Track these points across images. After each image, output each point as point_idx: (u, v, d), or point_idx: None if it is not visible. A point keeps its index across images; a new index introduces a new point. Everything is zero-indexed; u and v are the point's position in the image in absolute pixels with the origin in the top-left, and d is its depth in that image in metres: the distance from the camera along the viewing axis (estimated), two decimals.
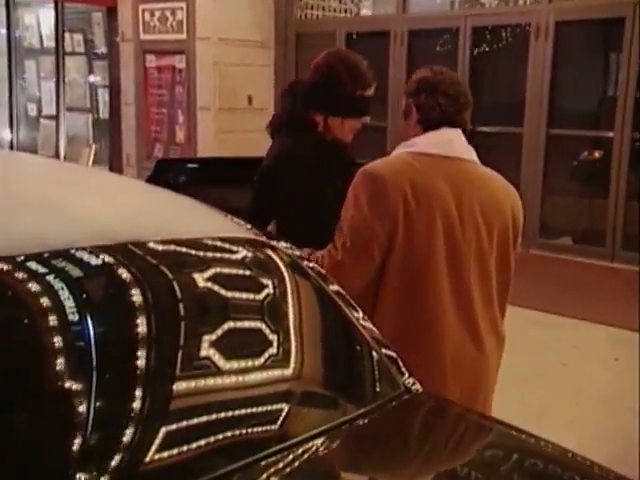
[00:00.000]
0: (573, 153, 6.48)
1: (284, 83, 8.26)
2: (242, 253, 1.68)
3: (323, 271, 1.74)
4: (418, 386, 1.59)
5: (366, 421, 1.46)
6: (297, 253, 1.77)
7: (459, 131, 1.84)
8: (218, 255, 1.66)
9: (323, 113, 2.07)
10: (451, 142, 1.82)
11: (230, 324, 1.51)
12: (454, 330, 1.82)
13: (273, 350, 1.51)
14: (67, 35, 8.74)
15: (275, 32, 8.17)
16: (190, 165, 2.82)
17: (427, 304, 1.81)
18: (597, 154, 6.38)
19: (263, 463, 1.24)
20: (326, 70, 2.07)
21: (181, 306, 1.48)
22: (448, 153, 1.80)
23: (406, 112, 1.92)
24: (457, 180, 1.79)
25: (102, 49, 8.68)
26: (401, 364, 1.62)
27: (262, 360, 1.47)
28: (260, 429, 1.37)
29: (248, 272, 1.68)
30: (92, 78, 8.90)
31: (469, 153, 1.87)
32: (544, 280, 5.42)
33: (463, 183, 1.79)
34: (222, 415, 1.34)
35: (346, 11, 8.54)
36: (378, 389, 1.63)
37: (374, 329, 1.68)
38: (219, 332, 1.45)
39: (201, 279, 1.54)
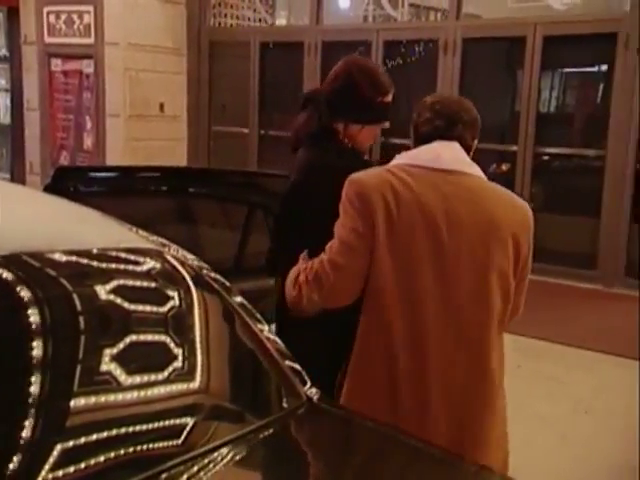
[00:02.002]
0: (482, 166, 6.70)
1: (197, 90, 8.17)
2: (142, 264, 1.65)
3: (227, 283, 1.73)
4: (319, 396, 1.61)
5: (268, 432, 1.47)
6: (201, 264, 1.74)
7: (453, 144, 1.85)
8: (118, 266, 1.62)
9: (344, 121, 2.08)
10: (440, 155, 1.82)
11: (131, 337, 1.49)
12: (442, 341, 1.77)
13: (174, 362, 1.49)
14: None
15: (188, 39, 8.08)
16: (93, 173, 2.72)
17: (409, 308, 1.76)
18: (504, 167, 6.62)
19: (165, 475, 1.23)
20: (346, 78, 2.09)
21: (79, 319, 1.44)
22: (436, 165, 1.81)
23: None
24: (445, 191, 1.78)
25: (3, 51, 8.32)
26: (304, 375, 1.63)
27: (163, 373, 1.45)
28: (163, 442, 1.36)
29: (148, 283, 1.66)
30: None
31: (464, 166, 1.85)
32: None
33: (452, 195, 1.78)
34: (124, 429, 1.32)
35: (260, 20, 8.55)
36: (280, 400, 1.64)
37: (278, 341, 1.68)
38: (120, 345, 1.43)
39: (100, 291, 1.51)
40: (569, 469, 3.16)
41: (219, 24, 8.36)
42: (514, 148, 6.26)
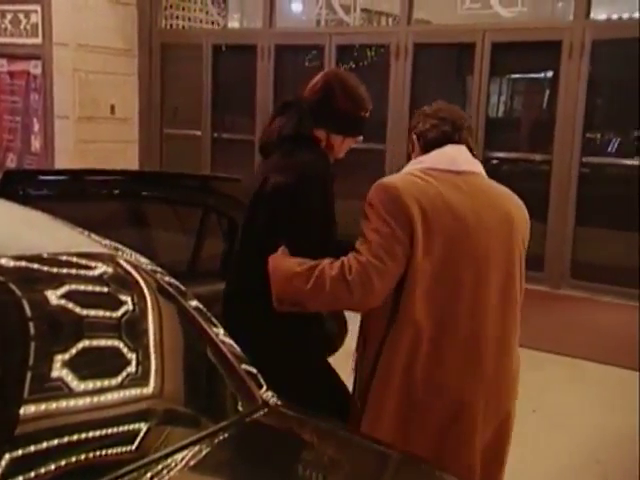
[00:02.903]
0: None
1: (149, 92, 8.08)
2: (95, 269, 1.62)
3: (183, 287, 1.72)
4: (275, 399, 1.62)
5: (223, 436, 1.46)
6: (155, 268, 1.73)
7: (462, 147, 1.95)
8: (69, 271, 1.59)
9: (328, 130, 2.14)
10: (455, 157, 1.92)
11: (83, 343, 1.47)
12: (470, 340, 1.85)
13: (128, 368, 1.47)
14: None
15: (139, 41, 7.99)
16: (43, 177, 2.67)
17: (442, 308, 1.82)
18: None
19: None
20: (330, 90, 2.14)
21: (30, 325, 1.42)
22: (455, 167, 1.90)
23: (412, 147, 2.04)
24: (467, 191, 1.86)
25: None
26: (260, 378, 1.63)
27: (117, 379, 1.43)
28: (116, 448, 1.34)
29: (101, 288, 1.63)
30: None
31: (476, 166, 1.96)
32: None
33: (473, 194, 1.87)
34: (76, 436, 1.30)
35: (213, 23, 8.51)
36: (236, 404, 1.63)
37: (233, 344, 1.67)
38: (72, 351, 1.41)
39: (51, 296, 1.48)
40: (517, 467, 3.23)
41: (170, 26, 8.29)
42: None
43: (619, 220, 5.84)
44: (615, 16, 6.18)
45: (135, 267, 1.67)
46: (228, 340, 1.67)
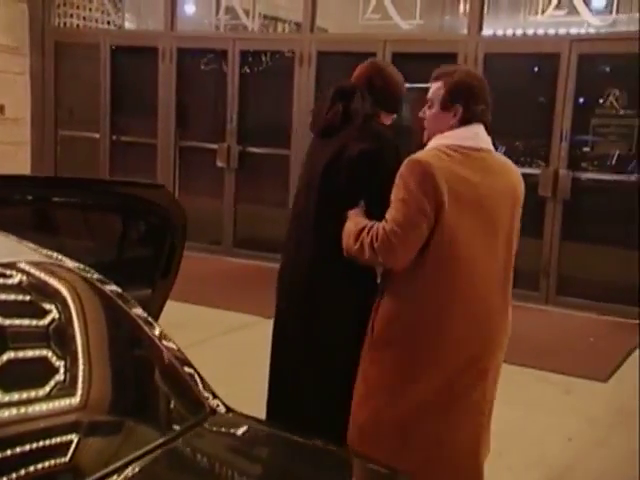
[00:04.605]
0: None
1: (42, 92, 7.76)
2: (24, 277, 1.56)
3: (120, 290, 1.69)
4: (222, 407, 1.58)
5: (169, 448, 1.39)
6: (95, 275, 1.69)
7: (482, 125, 2.20)
8: (7, 281, 1.53)
9: (381, 109, 2.47)
10: (478, 135, 2.18)
11: (9, 354, 1.40)
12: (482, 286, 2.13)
13: (60, 379, 1.41)
14: None
15: (30, 38, 7.65)
16: None
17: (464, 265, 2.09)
18: None
19: None
20: (377, 77, 2.50)
21: None
22: (477, 145, 2.15)
23: (443, 105, 2.21)
24: (485, 169, 2.14)
25: None
26: (203, 383, 1.60)
27: (47, 391, 1.37)
28: (47, 465, 1.27)
29: (31, 297, 1.58)
30: None
31: (489, 144, 2.22)
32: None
33: (490, 171, 2.15)
34: (5, 453, 1.23)
35: (109, 23, 8.28)
36: (181, 413, 1.58)
37: (175, 346, 1.64)
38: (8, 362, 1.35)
39: None
40: None
41: (64, 24, 8.00)
42: None
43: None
44: (500, 32, 6.57)
45: (68, 272, 1.63)
46: (170, 344, 1.65)
